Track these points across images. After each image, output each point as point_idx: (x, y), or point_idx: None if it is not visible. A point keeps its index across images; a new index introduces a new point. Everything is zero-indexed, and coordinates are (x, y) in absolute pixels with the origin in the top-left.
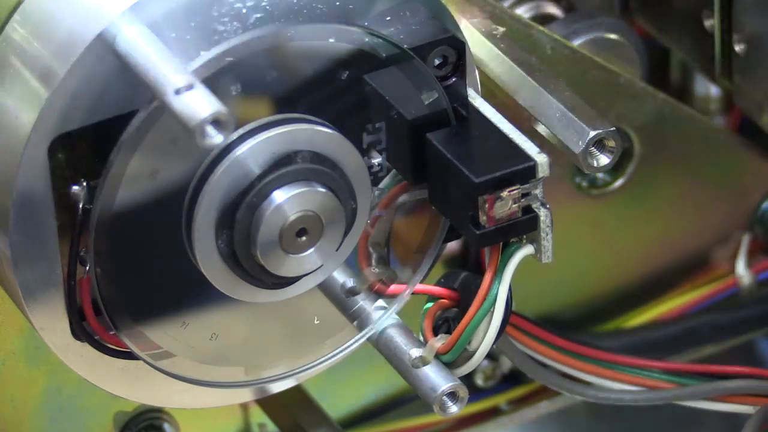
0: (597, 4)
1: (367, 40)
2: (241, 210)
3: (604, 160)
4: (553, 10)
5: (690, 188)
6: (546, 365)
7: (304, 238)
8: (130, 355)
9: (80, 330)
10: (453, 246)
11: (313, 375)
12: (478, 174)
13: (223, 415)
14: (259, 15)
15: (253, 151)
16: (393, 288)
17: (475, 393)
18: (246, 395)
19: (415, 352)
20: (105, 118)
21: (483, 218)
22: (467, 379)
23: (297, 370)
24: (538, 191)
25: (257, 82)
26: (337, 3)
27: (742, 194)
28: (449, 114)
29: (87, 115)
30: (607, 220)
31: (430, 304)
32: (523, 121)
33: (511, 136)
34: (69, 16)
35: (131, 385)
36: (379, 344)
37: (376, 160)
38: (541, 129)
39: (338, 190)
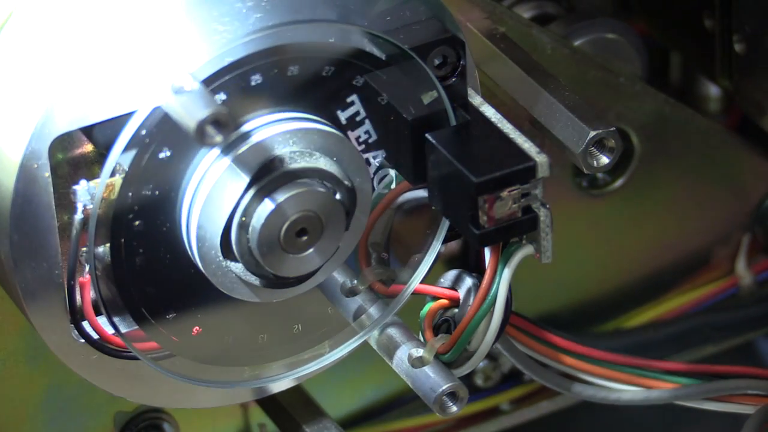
0: (597, 4)
1: (367, 40)
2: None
3: (604, 160)
4: (553, 10)
5: (690, 188)
6: (546, 365)
7: (304, 238)
8: (130, 355)
9: (80, 330)
10: (453, 246)
11: (313, 375)
12: (478, 174)
13: (223, 415)
14: (259, 15)
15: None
16: (393, 288)
17: (475, 393)
18: (246, 395)
19: (415, 352)
20: (105, 119)
21: (483, 218)
22: (467, 379)
23: (297, 370)
24: (538, 191)
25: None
26: (337, 3)
27: (742, 194)
28: (449, 114)
29: (87, 115)
30: (607, 220)
31: (430, 304)
32: (523, 121)
33: (511, 136)
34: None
35: (131, 385)
36: (379, 344)
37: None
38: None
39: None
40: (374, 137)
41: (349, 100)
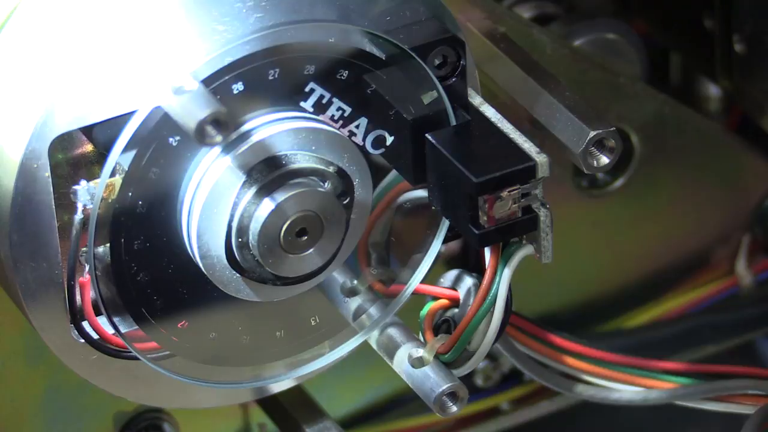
0: (597, 4)
1: (367, 40)
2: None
3: (604, 160)
4: (553, 10)
5: (690, 188)
6: (546, 365)
7: (304, 238)
8: (130, 355)
9: (80, 330)
10: (453, 246)
11: (313, 375)
12: (478, 174)
13: (223, 415)
14: (259, 15)
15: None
16: (393, 288)
17: (475, 393)
18: (246, 395)
19: (415, 352)
20: (105, 118)
21: (483, 218)
22: (467, 379)
23: (297, 370)
24: (538, 191)
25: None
26: (337, 3)
27: (742, 194)
28: (449, 114)
29: (87, 115)
30: (607, 220)
31: (430, 304)
32: (523, 121)
33: (511, 136)
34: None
35: (131, 385)
36: (379, 344)
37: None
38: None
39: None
40: (349, 109)
41: (307, 89)
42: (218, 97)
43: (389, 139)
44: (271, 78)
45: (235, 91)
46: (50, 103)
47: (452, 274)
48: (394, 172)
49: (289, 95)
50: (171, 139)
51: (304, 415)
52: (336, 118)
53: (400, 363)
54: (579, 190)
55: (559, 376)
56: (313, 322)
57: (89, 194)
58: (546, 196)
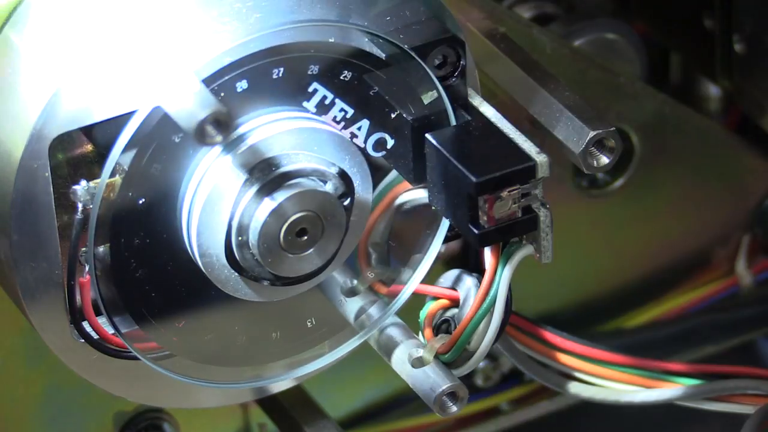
0: (597, 4)
1: (367, 40)
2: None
3: (604, 160)
4: (552, 10)
5: (690, 188)
6: (546, 365)
7: (304, 238)
8: (130, 355)
9: (80, 330)
10: (453, 246)
11: (313, 375)
12: (478, 174)
13: (223, 415)
14: (258, 15)
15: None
16: (393, 288)
17: (475, 393)
18: (246, 395)
19: (415, 352)
20: (105, 118)
21: (483, 218)
22: (467, 379)
23: (297, 370)
24: (538, 191)
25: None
26: (338, 3)
27: (742, 194)
28: (449, 114)
29: (87, 115)
30: (607, 220)
31: (430, 304)
32: (523, 121)
33: (511, 136)
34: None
35: (131, 385)
36: (379, 344)
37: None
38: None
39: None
40: (351, 111)
41: (310, 89)
42: (222, 94)
43: (390, 142)
44: (275, 77)
45: (239, 89)
46: (50, 103)
47: (452, 274)
48: (394, 173)
49: (292, 95)
50: (171, 139)
51: (304, 415)
52: (338, 119)
53: (400, 363)
54: (579, 190)
55: (559, 376)
56: (312, 322)
57: (89, 194)
58: (546, 196)
